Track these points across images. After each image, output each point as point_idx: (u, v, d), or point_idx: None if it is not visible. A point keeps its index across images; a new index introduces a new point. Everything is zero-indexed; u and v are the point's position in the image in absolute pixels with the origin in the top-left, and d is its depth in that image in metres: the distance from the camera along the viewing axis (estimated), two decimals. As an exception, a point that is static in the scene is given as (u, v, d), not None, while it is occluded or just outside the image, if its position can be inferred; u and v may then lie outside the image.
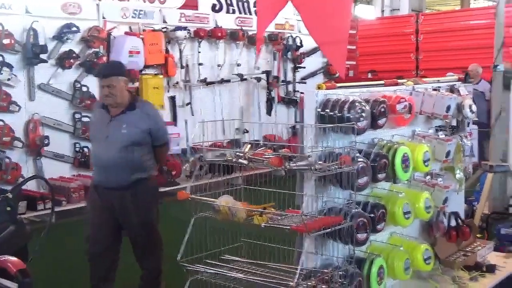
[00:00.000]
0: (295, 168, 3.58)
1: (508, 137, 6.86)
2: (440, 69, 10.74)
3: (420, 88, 4.73)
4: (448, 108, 4.70)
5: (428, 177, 4.66)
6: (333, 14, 4.69)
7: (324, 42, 4.88)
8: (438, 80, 5.29)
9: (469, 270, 4.83)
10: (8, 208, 3.41)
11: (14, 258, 2.79)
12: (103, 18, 8.88)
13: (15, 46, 7.92)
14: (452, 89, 5.03)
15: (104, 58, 8.73)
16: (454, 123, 5.07)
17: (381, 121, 4.06)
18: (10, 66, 7.83)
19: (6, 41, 7.80)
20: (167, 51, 9.57)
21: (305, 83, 11.66)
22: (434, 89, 4.82)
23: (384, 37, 13.65)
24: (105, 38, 8.78)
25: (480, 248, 5.22)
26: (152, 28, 9.41)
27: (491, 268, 4.89)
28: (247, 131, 10.01)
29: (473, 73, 9.72)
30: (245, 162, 3.77)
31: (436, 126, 4.91)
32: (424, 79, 5.40)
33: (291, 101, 11.52)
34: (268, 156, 3.71)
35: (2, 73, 7.74)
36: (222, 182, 4.18)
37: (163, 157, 5.76)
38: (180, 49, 9.79)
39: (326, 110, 3.85)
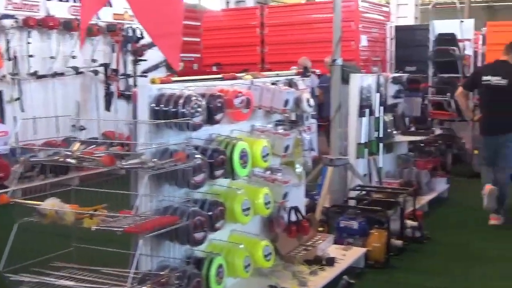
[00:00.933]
0: (127, 167, 3.56)
1: (347, 130, 7.25)
2: (285, 63, 11.07)
3: (258, 82, 4.88)
4: (286, 102, 4.89)
5: (268, 172, 4.82)
6: (165, 4, 4.70)
7: (157, 34, 4.89)
8: (277, 74, 5.49)
9: (309, 264, 5.07)
10: None
11: None
12: None
13: None
14: (290, 83, 5.24)
15: None
16: (293, 117, 5.28)
17: (218, 116, 4.16)
18: None
19: None
20: (-9, 41, 9.12)
21: (146, 76, 11.51)
22: (273, 83, 5.00)
23: (230, 29, 13.83)
24: None
25: (320, 242, 5.50)
26: (-28, 16, 8.93)
27: (331, 261, 5.15)
28: (84, 128, 9.77)
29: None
30: (73, 161, 3.69)
31: (275, 121, 5.09)
32: (264, 73, 5.59)
33: (131, 96, 11.41)
34: (99, 155, 3.66)
35: None
36: (51, 184, 4.05)
37: None
38: (7, 40, 9.30)
39: (161, 106, 3.89)
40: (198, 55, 14.05)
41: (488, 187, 7.06)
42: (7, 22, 9.28)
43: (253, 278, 4.50)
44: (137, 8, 4.97)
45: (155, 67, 11.89)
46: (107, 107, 10.96)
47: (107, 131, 10.30)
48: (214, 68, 13.30)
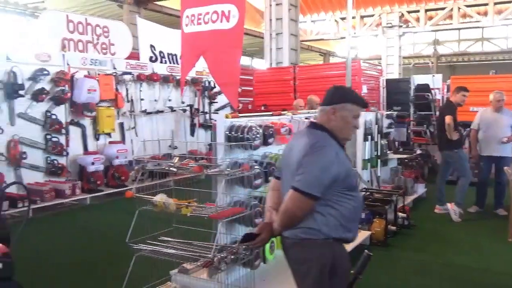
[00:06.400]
0: (211, 173, 3.60)
1: (356, 150, 7.17)
2: (311, 104, 11.01)
3: (296, 117, 4.89)
4: (316, 131, 4.87)
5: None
6: (228, 65, 4.83)
7: (222, 83, 4.98)
8: (308, 112, 5.48)
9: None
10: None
11: None
12: (68, 64, 8.51)
13: (-1, 84, 7.47)
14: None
15: (69, 94, 8.37)
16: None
17: (270, 140, 4.18)
18: (-5, 100, 7.38)
19: (-9, 81, 7.34)
20: (117, 89, 9.28)
21: (217, 113, 11.64)
22: (306, 118, 5.00)
23: (272, 81, 13.82)
24: (69, 79, 8.42)
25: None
26: (105, 73, 9.13)
27: (346, 240, 5.07)
28: (176, 147, 9.89)
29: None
30: (175, 169, 3.75)
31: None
32: (300, 111, 5.58)
33: (208, 126, 11.50)
34: (192, 165, 3.71)
35: (-12, 105, 7.28)
36: (159, 184, 4.11)
37: None
38: (126, 88, 9.54)
39: (232, 133, 3.92)
40: (251, 99, 14.10)
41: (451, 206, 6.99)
42: (127, 77, 9.52)
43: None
44: (211, 66, 5.10)
45: (223, 107, 11.98)
46: (192, 133, 11.09)
47: (192, 150, 10.42)
48: (262, 108, 13.31)
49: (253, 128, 3.93)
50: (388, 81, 13.28)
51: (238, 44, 4.88)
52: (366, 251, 2.29)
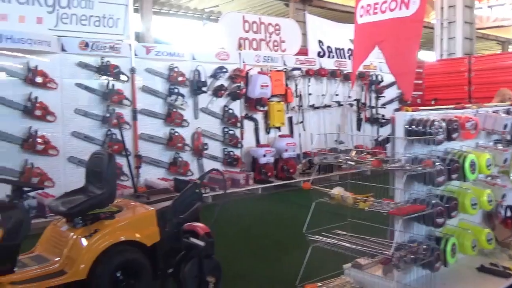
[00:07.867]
0: (391, 168, 3.44)
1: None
2: (489, 98, 9.97)
3: (482, 111, 4.42)
4: (505, 126, 4.36)
5: (489, 178, 4.33)
6: (404, 54, 4.61)
7: (398, 73, 4.77)
8: (496, 105, 4.93)
9: (521, 250, 4.44)
10: (197, 190, 3.50)
11: (201, 224, 2.82)
12: (243, 62, 9.01)
13: (186, 82, 8.22)
14: (508, 112, 4.66)
15: (244, 90, 8.86)
16: (509, 137, 4.69)
17: (454, 135, 3.83)
18: (182, 96, 8.14)
19: (180, 79, 8.11)
20: (286, 84, 9.53)
21: (385, 108, 11.22)
22: (494, 112, 4.49)
23: (443, 74, 12.83)
24: (244, 76, 8.92)
25: (529, 233, 4.79)
26: (276, 69, 9.44)
27: (539, 249, 4.46)
28: (343, 142, 9.80)
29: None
30: (352, 163, 3.67)
31: (494, 140, 4.56)
32: (485, 104, 5.04)
33: (375, 121, 11.15)
34: (370, 159, 3.59)
35: (177, 100, 8.06)
36: (327, 178, 4.07)
37: None
38: (295, 83, 9.74)
39: (412, 126, 3.68)
40: (421, 93, 13.29)
41: None
42: (296, 73, 9.70)
43: (477, 256, 4.07)
44: (388, 55, 4.92)
45: (390, 101, 11.53)
46: (358, 128, 10.88)
47: (357, 144, 10.23)
48: (433, 102, 12.47)
49: (436, 122, 3.64)
50: None
51: (417, 32, 4.62)
52: None
